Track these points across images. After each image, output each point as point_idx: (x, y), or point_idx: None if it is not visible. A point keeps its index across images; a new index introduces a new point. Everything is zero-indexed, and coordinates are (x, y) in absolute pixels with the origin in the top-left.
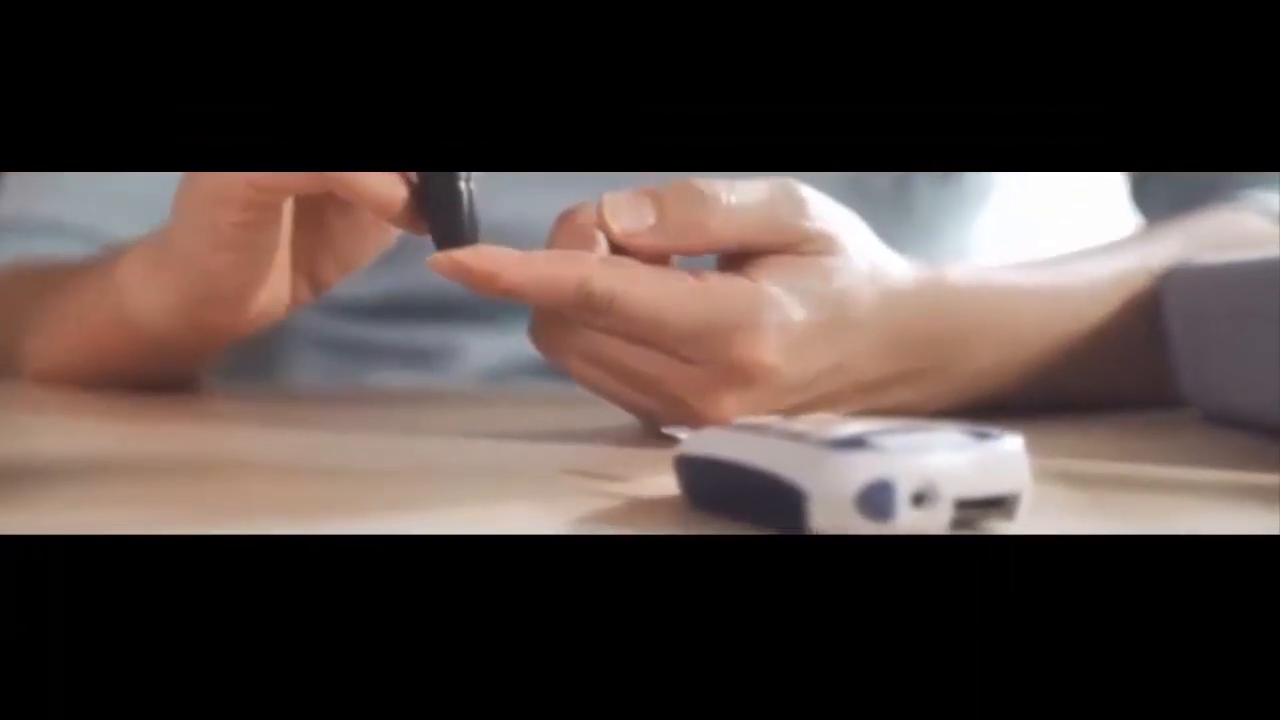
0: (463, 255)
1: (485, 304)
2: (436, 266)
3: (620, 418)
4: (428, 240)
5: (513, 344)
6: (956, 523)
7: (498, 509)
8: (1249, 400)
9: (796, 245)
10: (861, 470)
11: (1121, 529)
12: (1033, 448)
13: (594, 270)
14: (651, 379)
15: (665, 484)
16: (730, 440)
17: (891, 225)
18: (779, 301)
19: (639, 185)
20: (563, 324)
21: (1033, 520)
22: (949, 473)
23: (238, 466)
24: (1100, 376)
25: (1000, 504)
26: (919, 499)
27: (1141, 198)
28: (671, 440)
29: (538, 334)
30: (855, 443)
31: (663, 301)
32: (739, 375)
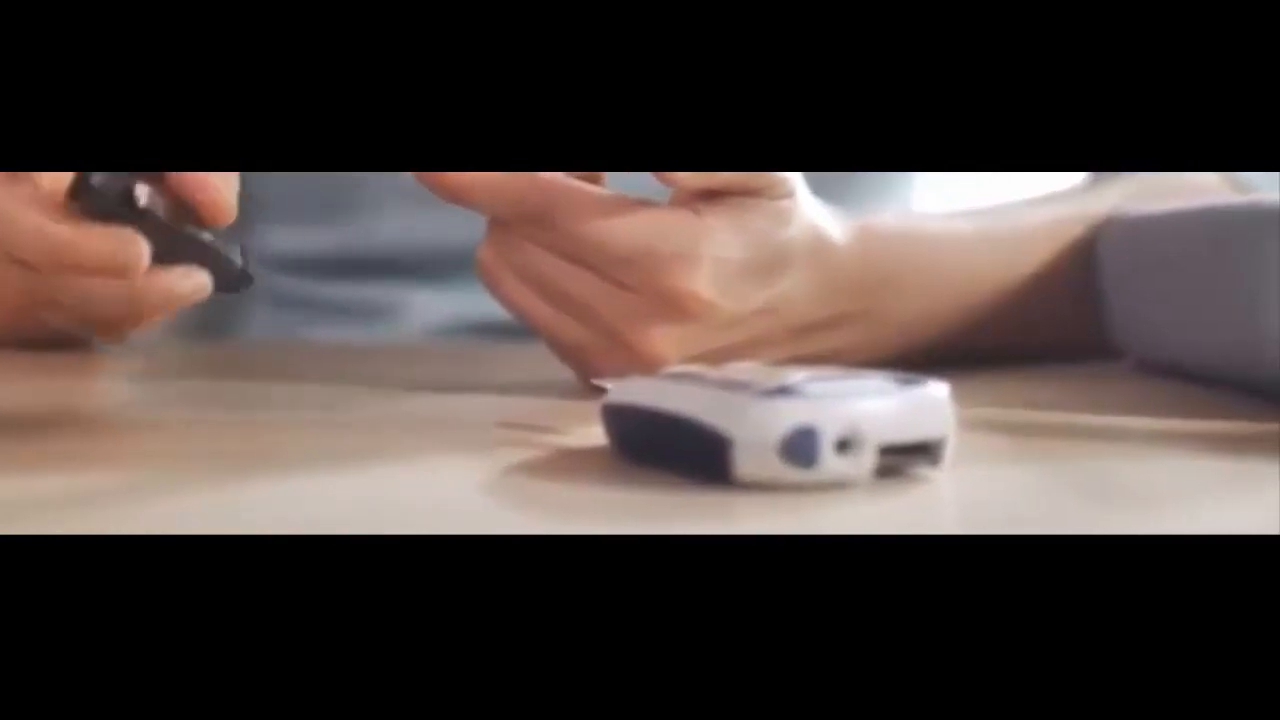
0: None
1: (433, 261)
2: None
3: (556, 372)
4: (376, 196)
5: (459, 302)
6: (882, 469)
7: (428, 460)
8: (1180, 349)
9: (763, 189)
10: (785, 417)
11: (1047, 477)
12: (965, 396)
13: (541, 181)
14: (585, 304)
15: (595, 435)
16: (655, 389)
17: (832, 183)
18: (718, 236)
19: (634, 185)
20: (507, 242)
21: (958, 468)
22: (873, 419)
23: (173, 421)
24: (1034, 324)
25: (925, 450)
26: (843, 445)
27: None
28: (603, 392)
29: (482, 253)
30: (779, 390)
31: (605, 220)
32: (671, 305)
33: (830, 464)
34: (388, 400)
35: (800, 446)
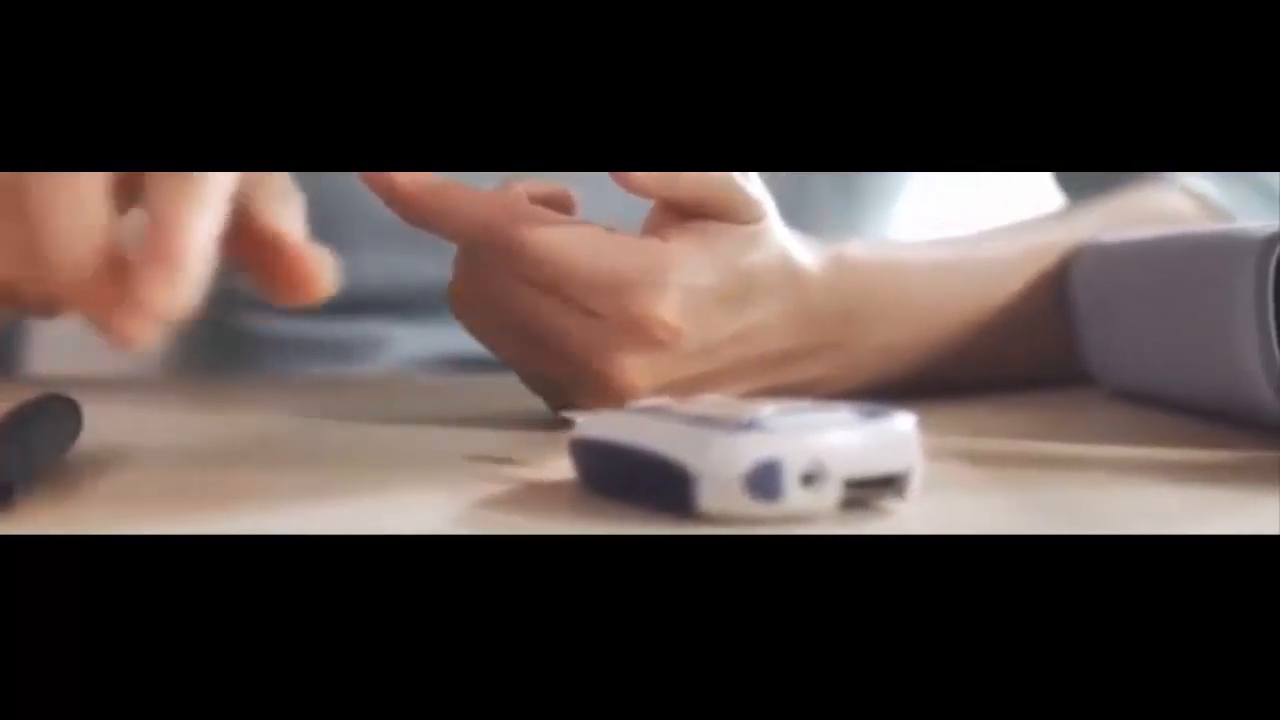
0: (394, 175)
1: (413, 297)
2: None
3: (528, 403)
4: (353, 236)
5: (439, 336)
6: (847, 502)
7: (395, 493)
8: (1153, 377)
9: (731, 210)
10: (749, 451)
11: (1016, 506)
12: (936, 425)
13: (507, 204)
14: (556, 332)
15: (564, 468)
16: (622, 423)
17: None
18: (688, 263)
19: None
20: (475, 272)
21: (927, 498)
22: (838, 452)
23: (141, 452)
24: (1009, 353)
25: (891, 483)
26: (808, 479)
27: (1062, 177)
28: (572, 424)
29: (451, 284)
30: (744, 424)
31: (573, 246)
32: (639, 332)
33: (795, 497)
34: (357, 434)
35: (764, 480)
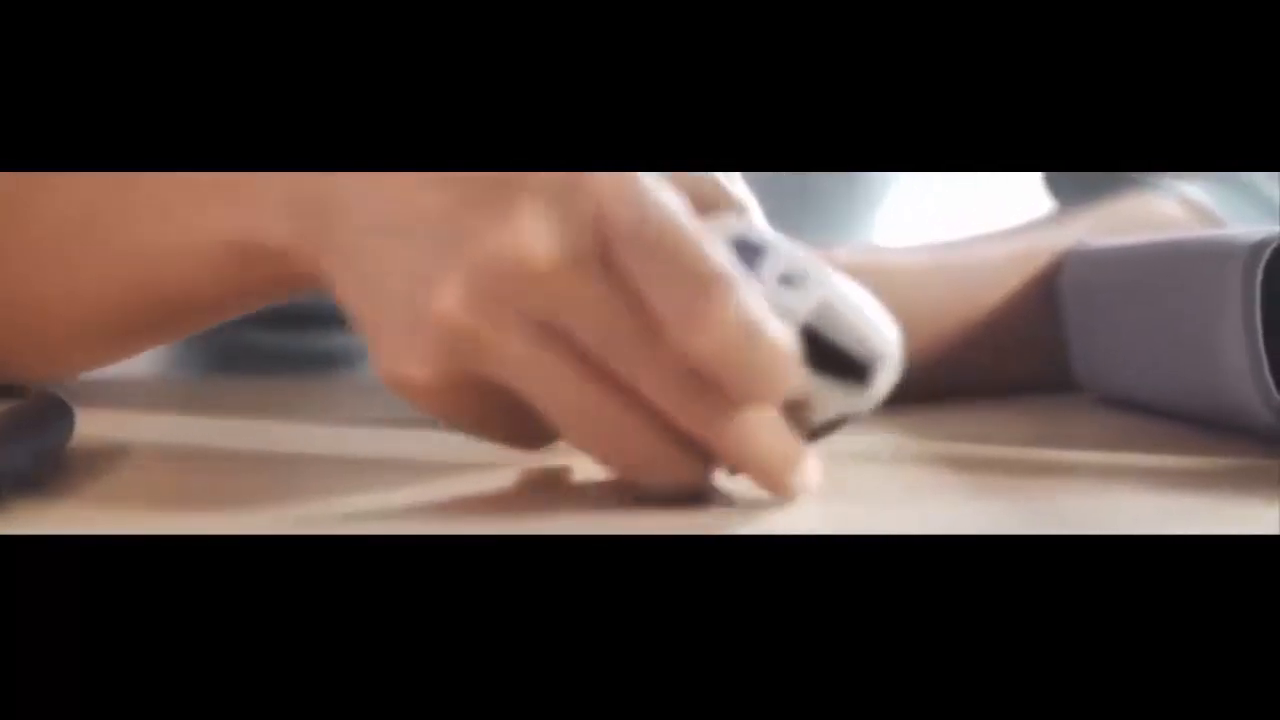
0: None
1: None
2: None
3: None
4: None
5: None
6: (811, 334)
7: (393, 494)
8: (1140, 383)
9: (713, 207)
10: (742, 227)
11: (1000, 512)
12: (921, 430)
13: None
14: None
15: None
16: None
17: (794, 216)
18: None
19: None
20: None
21: (910, 503)
22: (817, 273)
23: (133, 454)
24: (995, 358)
25: (858, 372)
26: (788, 279)
27: (1053, 183)
28: None
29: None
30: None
31: None
32: None
33: (771, 290)
34: (352, 435)
35: (747, 254)
